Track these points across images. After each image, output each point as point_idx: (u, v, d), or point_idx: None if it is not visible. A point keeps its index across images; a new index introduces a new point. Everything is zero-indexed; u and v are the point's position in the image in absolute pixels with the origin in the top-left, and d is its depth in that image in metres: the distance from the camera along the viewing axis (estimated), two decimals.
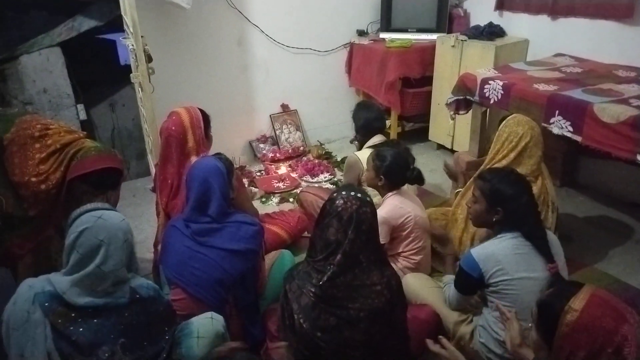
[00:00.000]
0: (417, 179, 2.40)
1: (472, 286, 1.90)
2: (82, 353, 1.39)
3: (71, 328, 1.40)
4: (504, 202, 1.89)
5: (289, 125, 4.12)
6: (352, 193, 1.62)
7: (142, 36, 2.58)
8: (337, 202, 1.60)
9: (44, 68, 3.45)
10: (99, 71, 3.98)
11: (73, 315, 1.42)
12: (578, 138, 2.42)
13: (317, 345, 1.58)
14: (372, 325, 1.56)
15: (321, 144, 4.19)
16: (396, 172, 2.35)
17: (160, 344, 1.55)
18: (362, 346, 1.57)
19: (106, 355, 1.41)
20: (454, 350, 1.61)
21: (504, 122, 2.38)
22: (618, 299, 1.24)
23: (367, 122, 2.88)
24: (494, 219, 1.92)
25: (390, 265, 1.73)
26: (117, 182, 2.20)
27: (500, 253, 1.82)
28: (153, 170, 2.94)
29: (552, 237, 1.94)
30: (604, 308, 1.18)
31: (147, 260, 2.69)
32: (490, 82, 2.82)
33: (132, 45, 2.66)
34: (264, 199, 3.41)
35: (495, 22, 3.70)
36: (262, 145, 4.03)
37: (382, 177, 2.36)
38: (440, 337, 1.75)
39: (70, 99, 3.63)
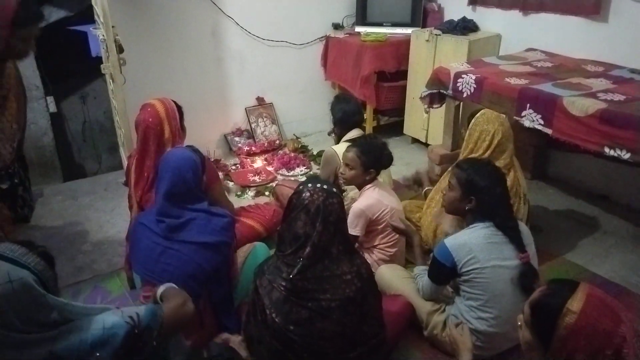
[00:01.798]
0: (390, 161, 2.45)
1: (446, 276, 1.93)
2: None
3: None
4: (477, 192, 1.92)
5: (265, 119, 4.10)
6: (318, 185, 1.62)
7: (113, 26, 2.52)
8: (304, 194, 1.60)
9: None
10: (70, 63, 3.89)
11: None
12: (548, 131, 2.47)
13: (290, 339, 1.58)
14: (344, 315, 1.57)
15: (297, 138, 4.18)
16: (381, 160, 2.38)
17: None
18: (335, 337, 1.57)
19: None
20: (468, 336, 1.58)
21: (473, 119, 2.40)
22: (610, 296, 1.21)
23: (345, 116, 2.88)
24: (467, 208, 1.95)
25: (360, 254, 1.74)
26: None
27: (472, 242, 1.85)
28: (125, 163, 2.89)
29: (524, 228, 1.99)
30: (602, 309, 1.15)
31: (119, 255, 2.66)
32: (463, 76, 2.85)
33: (103, 35, 2.61)
34: (239, 193, 3.39)
35: (469, 17, 3.74)
36: (237, 139, 4.00)
37: (372, 170, 2.37)
38: (462, 324, 1.80)
39: (39, 90, 3.54)
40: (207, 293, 1.96)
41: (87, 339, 1.24)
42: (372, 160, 2.34)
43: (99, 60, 3.19)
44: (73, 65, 3.90)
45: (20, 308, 1.17)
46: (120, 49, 2.58)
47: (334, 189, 1.67)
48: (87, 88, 4.14)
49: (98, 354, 1.23)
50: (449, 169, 2.31)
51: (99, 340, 1.25)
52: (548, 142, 3.19)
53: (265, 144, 3.98)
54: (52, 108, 3.70)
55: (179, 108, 2.30)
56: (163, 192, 1.93)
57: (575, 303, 1.15)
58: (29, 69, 3.41)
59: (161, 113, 2.20)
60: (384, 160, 2.40)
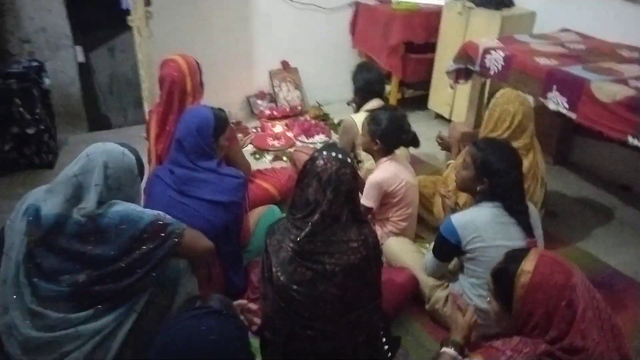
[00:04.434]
0: (412, 141, 2.40)
1: (449, 252, 1.94)
2: (44, 277, 1.45)
3: (39, 250, 1.46)
4: (491, 174, 1.90)
5: (288, 83, 4.09)
6: (333, 154, 1.62)
7: None
8: (318, 162, 1.61)
9: (42, 6, 3.39)
10: (100, 14, 3.91)
11: (45, 240, 1.46)
12: (573, 115, 2.41)
13: (292, 298, 1.62)
14: (346, 280, 1.60)
15: (320, 105, 4.17)
16: (392, 135, 2.34)
17: (133, 276, 1.52)
18: (336, 300, 1.61)
19: (67, 282, 1.45)
20: (468, 320, 1.61)
21: (493, 99, 2.35)
22: (564, 258, 1.32)
23: (366, 84, 2.85)
24: (478, 188, 1.94)
25: (369, 224, 1.76)
26: None
27: (479, 220, 1.85)
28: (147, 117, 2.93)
29: (533, 211, 1.97)
30: (553, 266, 1.24)
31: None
32: (491, 52, 2.78)
33: None
34: (257, 156, 3.42)
35: None
36: (259, 102, 4.01)
37: (377, 141, 2.35)
38: (469, 306, 1.79)
39: (68, 39, 3.59)
40: (216, 249, 2.01)
41: (121, 211, 1.52)
42: (382, 130, 2.31)
43: (129, 12, 3.21)
44: (103, 16, 3.91)
45: (124, 178, 1.57)
46: (147, 2, 2.59)
47: (348, 159, 1.68)
48: (115, 40, 4.15)
49: (124, 227, 1.50)
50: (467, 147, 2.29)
51: (128, 215, 1.52)
52: (573, 127, 3.12)
53: (287, 109, 3.98)
54: (81, 58, 3.75)
55: (198, 64, 2.32)
56: (175, 139, 2.03)
57: (528, 263, 1.25)
58: (59, 16, 3.45)
59: (184, 68, 2.23)
60: (403, 137, 2.36)
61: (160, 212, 1.63)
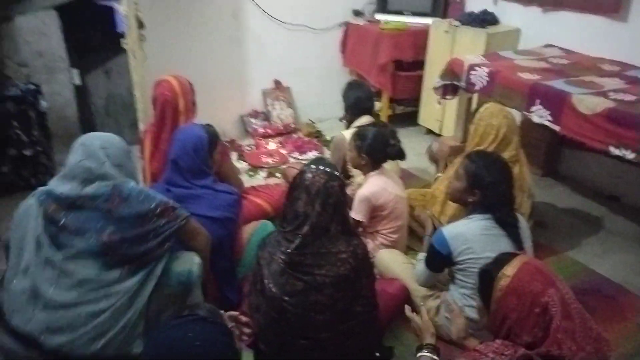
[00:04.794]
0: (398, 154, 2.46)
1: (441, 263, 1.99)
2: (71, 233, 1.57)
3: (61, 215, 1.58)
4: (482, 186, 1.95)
5: (281, 102, 4.17)
6: (321, 167, 1.68)
7: (135, 2, 2.61)
8: (306, 175, 1.67)
9: (39, 31, 3.46)
10: (96, 37, 3.99)
11: (64, 208, 1.58)
12: (556, 127, 2.49)
13: (284, 309, 1.66)
14: (336, 291, 1.64)
15: (312, 122, 4.24)
16: (377, 150, 2.40)
17: (150, 243, 1.65)
18: (327, 310, 1.65)
19: (93, 238, 1.57)
20: (427, 320, 1.70)
21: (477, 114, 2.42)
22: (550, 268, 1.37)
23: (356, 102, 2.93)
24: (470, 200, 1.99)
25: (358, 236, 1.81)
26: None
27: (469, 232, 1.90)
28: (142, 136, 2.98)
29: (523, 223, 2.03)
30: (534, 274, 1.29)
31: None
32: (476, 68, 2.87)
33: (125, 10, 2.70)
34: (251, 173, 3.47)
35: (490, 10, 3.73)
36: (253, 120, 4.08)
37: (364, 155, 2.42)
38: (421, 305, 1.87)
39: (64, 63, 3.65)
40: (210, 264, 2.05)
41: (138, 187, 1.70)
42: (367, 145, 2.37)
43: (124, 35, 3.29)
44: (99, 39, 3.99)
45: (122, 156, 1.71)
46: (140, 25, 2.67)
47: (336, 172, 1.73)
48: (111, 63, 4.23)
49: (142, 198, 1.65)
50: (456, 159, 2.35)
51: (145, 191, 1.71)
52: (561, 139, 3.20)
53: (280, 127, 4.06)
54: (77, 80, 3.81)
55: (190, 84, 2.39)
56: (170, 160, 2.07)
57: (510, 269, 1.31)
58: (55, 40, 3.52)
59: (176, 88, 2.30)
60: (388, 150, 2.42)
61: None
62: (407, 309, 1.80)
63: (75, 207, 1.58)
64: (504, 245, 1.90)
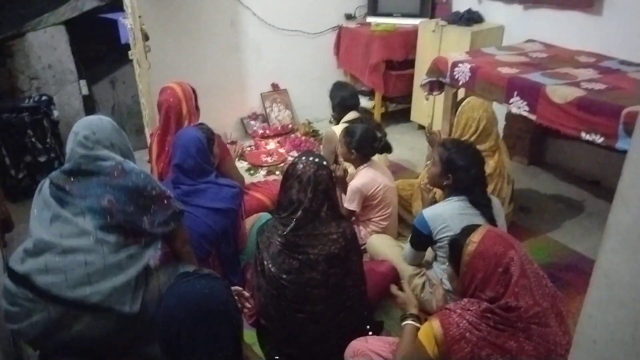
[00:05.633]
0: (385, 148, 2.65)
1: (423, 242, 2.18)
2: (74, 197, 1.73)
3: (67, 183, 1.75)
4: (455, 170, 2.15)
5: (279, 104, 4.37)
6: (311, 158, 1.88)
7: (139, 16, 2.82)
8: (298, 166, 1.87)
9: (49, 45, 3.68)
10: (101, 49, 4.21)
11: (69, 177, 1.76)
12: (533, 117, 2.66)
13: (282, 286, 1.86)
14: (329, 268, 1.84)
15: (309, 123, 4.44)
16: (365, 145, 2.60)
17: (143, 221, 1.78)
18: (321, 285, 1.84)
19: (94, 202, 1.72)
20: (410, 294, 1.86)
21: (459, 107, 2.62)
22: (510, 235, 1.56)
23: (342, 100, 3.15)
24: (444, 183, 2.19)
25: (346, 219, 2.00)
26: None
27: (446, 213, 2.09)
28: (149, 141, 3.19)
29: (496, 201, 2.21)
30: (496, 239, 1.49)
31: None
32: (459, 65, 3.05)
33: (131, 24, 2.91)
34: (252, 171, 3.67)
35: (475, 9, 3.91)
36: (252, 122, 4.28)
37: (353, 151, 2.62)
38: (402, 281, 2.04)
39: (73, 74, 3.87)
40: (216, 251, 2.25)
41: (140, 168, 1.84)
42: (356, 142, 2.58)
43: (127, 46, 3.50)
44: (104, 51, 4.22)
45: (112, 137, 1.84)
46: (145, 37, 2.87)
47: (325, 162, 1.93)
48: (116, 73, 4.44)
49: (143, 176, 1.81)
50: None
51: (145, 172, 1.86)
52: (545, 129, 3.37)
53: (279, 128, 4.25)
54: (85, 91, 4.03)
55: (193, 90, 2.59)
56: (174, 165, 2.26)
57: (476, 236, 1.49)
58: (64, 54, 3.75)
59: (179, 94, 2.49)
60: (375, 145, 2.62)
61: None
62: (393, 287, 1.97)
63: (80, 174, 1.74)
64: (478, 223, 2.06)
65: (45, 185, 1.79)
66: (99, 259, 1.67)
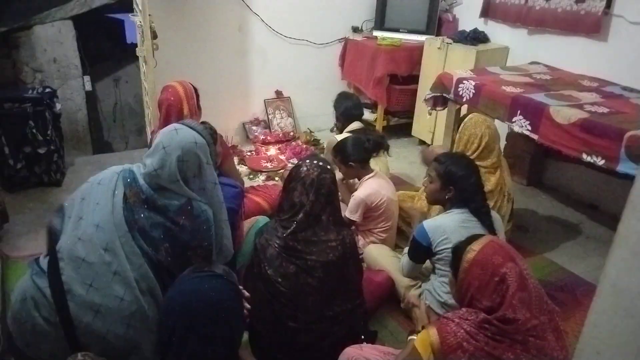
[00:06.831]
0: (377, 145, 2.66)
1: (422, 254, 2.16)
2: (138, 231, 1.58)
3: (139, 209, 1.60)
4: (455, 181, 2.15)
5: (282, 111, 4.38)
6: (315, 161, 1.88)
7: (149, 14, 2.83)
8: (302, 169, 1.86)
9: (55, 39, 3.68)
10: (106, 47, 4.23)
11: (142, 197, 1.61)
12: (535, 136, 2.68)
13: (278, 290, 1.83)
14: (325, 275, 1.81)
15: (310, 131, 4.45)
16: (359, 152, 2.62)
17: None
18: (315, 292, 1.82)
19: (151, 246, 1.57)
20: (424, 314, 1.86)
21: (462, 123, 2.62)
22: (513, 247, 1.55)
23: (347, 110, 3.16)
24: (447, 197, 2.18)
25: (347, 226, 1.99)
26: None
27: (447, 225, 2.08)
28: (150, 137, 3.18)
29: (496, 216, 2.21)
30: (496, 249, 1.48)
31: None
32: (464, 81, 3.08)
33: (140, 22, 2.91)
34: (251, 176, 3.66)
35: (481, 29, 3.96)
36: (254, 128, 4.29)
37: (351, 163, 2.62)
38: (420, 299, 2.03)
39: (77, 70, 3.87)
40: None
41: (209, 216, 1.67)
42: (350, 152, 2.59)
43: (132, 47, 3.51)
44: (109, 49, 4.24)
45: (192, 164, 1.65)
46: (154, 35, 2.88)
47: (329, 166, 1.92)
48: (120, 72, 4.47)
49: (205, 228, 1.65)
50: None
51: (210, 222, 1.68)
52: (545, 151, 3.39)
53: (280, 135, 4.26)
54: (88, 87, 4.03)
55: (196, 89, 2.58)
56: None
57: (477, 245, 1.50)
58: (70, 49, 3.75)
59: (180, 93, 2.49)
60: (367, 147, 2.62)
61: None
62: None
63: (149, 207, 1.60)
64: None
65: (119, 194, 1.61)
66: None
